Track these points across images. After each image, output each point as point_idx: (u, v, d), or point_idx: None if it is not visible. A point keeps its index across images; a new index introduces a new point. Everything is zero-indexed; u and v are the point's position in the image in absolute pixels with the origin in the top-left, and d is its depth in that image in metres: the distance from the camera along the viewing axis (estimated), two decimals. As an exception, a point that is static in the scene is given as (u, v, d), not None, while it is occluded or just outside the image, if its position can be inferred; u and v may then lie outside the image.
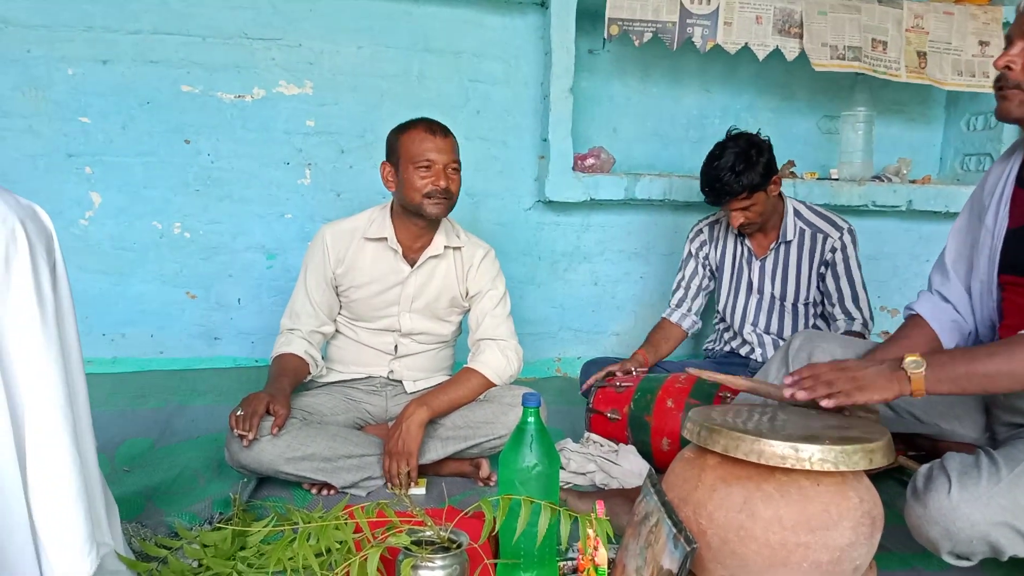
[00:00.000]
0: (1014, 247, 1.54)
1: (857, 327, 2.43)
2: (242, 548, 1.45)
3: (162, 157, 2.95)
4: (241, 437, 1.82)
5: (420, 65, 3.09)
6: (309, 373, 2.13)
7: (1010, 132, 3.28)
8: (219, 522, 1.63)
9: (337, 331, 2.23)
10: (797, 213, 2.55)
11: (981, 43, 3.11)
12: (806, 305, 2.58)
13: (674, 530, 1.23)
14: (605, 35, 2.85)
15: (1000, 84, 1.46)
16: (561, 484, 1.77)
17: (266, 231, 3.07)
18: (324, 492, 1.94)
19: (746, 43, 2.92)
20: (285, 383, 1.99)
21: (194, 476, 2.00)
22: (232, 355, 3.12)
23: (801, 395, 1.41)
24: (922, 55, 3.08)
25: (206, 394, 2.74)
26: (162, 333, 3.06)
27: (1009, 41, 1.46)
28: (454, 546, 1.33)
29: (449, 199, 2.05)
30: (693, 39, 2.90)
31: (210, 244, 3.04)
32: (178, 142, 2.96)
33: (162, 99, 2.92)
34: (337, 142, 3.07)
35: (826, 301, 2.54)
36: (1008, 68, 1.44)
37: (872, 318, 2.49)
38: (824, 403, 1.38)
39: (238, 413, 1.85)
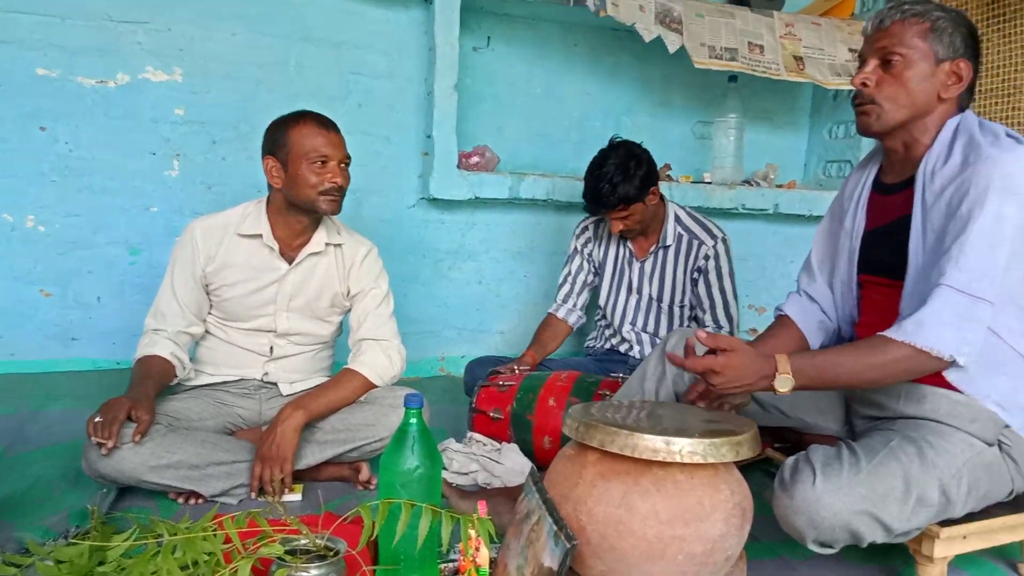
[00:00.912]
0: (871, 247, 1.65)
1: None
2: (100, 563, 1.36)
3: (14, 145, 2.74)
4: (100, 445, 1.71)
5: (299, 55, 2.99)
6: (175, 376, 2.01)
7: (868, 140, 3.48)
8: (75, 536, 1.53)
9: (207, 332, 2.12)
10: (677, 218, 2.62)
11: (851, 50, 3.30)
12: (681, 307, 2.66)
13: (555, 527, 1.23)
14: None
15: (859, 101, 1.56)
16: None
17: (130, 225, 2.90)
18: (192, 501, 1.85)
19: (633, 24, 2.95)
20: (149, 387, 1.88)
21: (48, 487, 1.88)
22: (91, 357, 2.94)
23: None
24: (799, 59, 3.23)
25: (62, 399, 2.59)
26: (13, 334, 2.85)
27: (863, 60, 1.56)
28: (331, 554, 1.29)
29: (342, 195, 2.00)
30: (587, 3, 2.91)
31: (68, 238, 2.85)
32: (33, 129, 2.75)
33: (15, 82, 2.71)
34: (209, 132, 2.93)
35: (698, 308, 2.62)
36: (864, 85, 1.53)
37: (739, 326, 2.60)
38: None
39: (96, 419, 1.74)
